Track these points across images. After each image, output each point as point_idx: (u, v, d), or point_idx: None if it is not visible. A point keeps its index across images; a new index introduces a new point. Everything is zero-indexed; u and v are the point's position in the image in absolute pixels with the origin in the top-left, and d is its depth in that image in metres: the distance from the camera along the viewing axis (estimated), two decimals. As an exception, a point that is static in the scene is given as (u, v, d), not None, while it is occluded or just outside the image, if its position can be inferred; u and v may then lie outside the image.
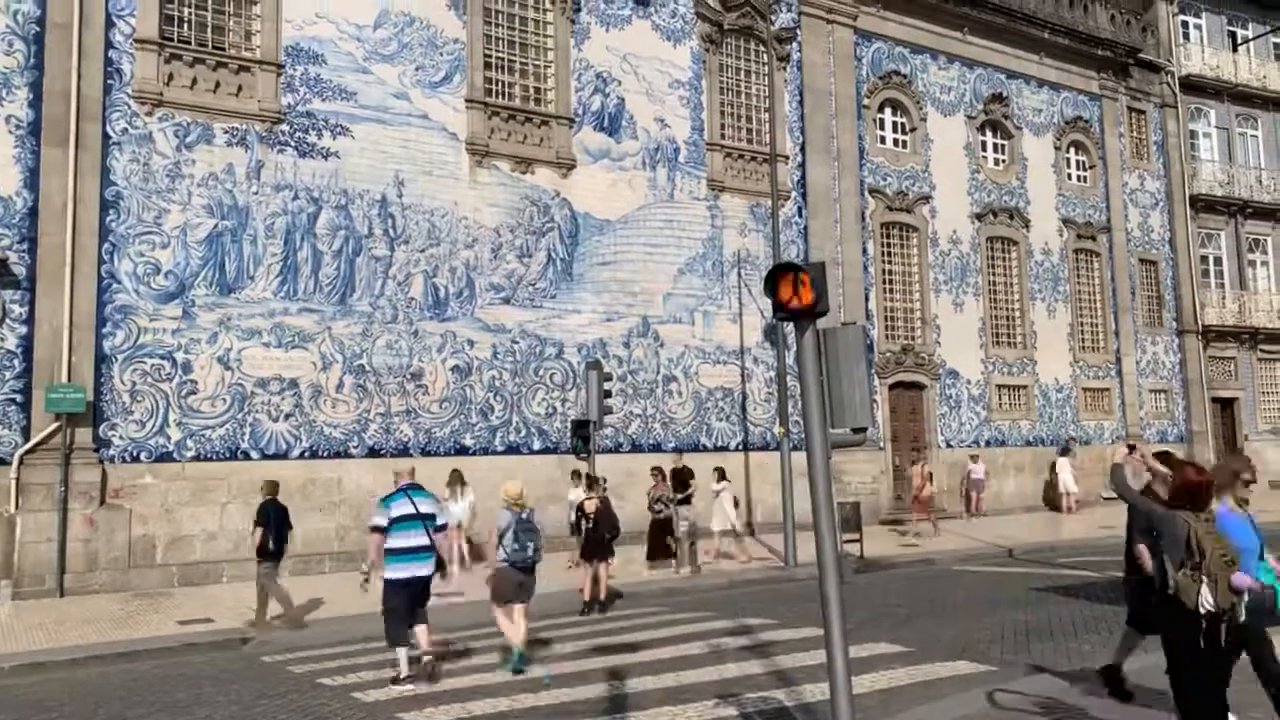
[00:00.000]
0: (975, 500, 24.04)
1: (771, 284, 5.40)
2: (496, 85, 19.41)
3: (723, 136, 22.12)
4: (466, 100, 18.85)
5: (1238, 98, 32.93)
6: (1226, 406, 31.34)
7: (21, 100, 15.03)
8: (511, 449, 18.47)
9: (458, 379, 18.10)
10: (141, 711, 8.41)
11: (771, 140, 19.51)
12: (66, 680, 9.81)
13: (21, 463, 14.38)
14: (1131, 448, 7.40)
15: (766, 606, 12.69)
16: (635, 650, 10.16)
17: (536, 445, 18.76)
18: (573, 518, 13.77)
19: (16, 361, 14.64)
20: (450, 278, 18.29)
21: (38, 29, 15.20)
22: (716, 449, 20.89)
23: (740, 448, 21.27)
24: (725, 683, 8.69)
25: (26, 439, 14.51)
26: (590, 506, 13.08)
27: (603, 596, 12.89)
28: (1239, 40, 33.10)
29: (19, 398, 14.58)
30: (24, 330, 14.72)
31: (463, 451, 17.89)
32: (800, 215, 23.01)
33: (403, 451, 17.25)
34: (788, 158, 22.81)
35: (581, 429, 15.56)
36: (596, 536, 12.82)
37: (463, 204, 18.56)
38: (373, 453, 17.07)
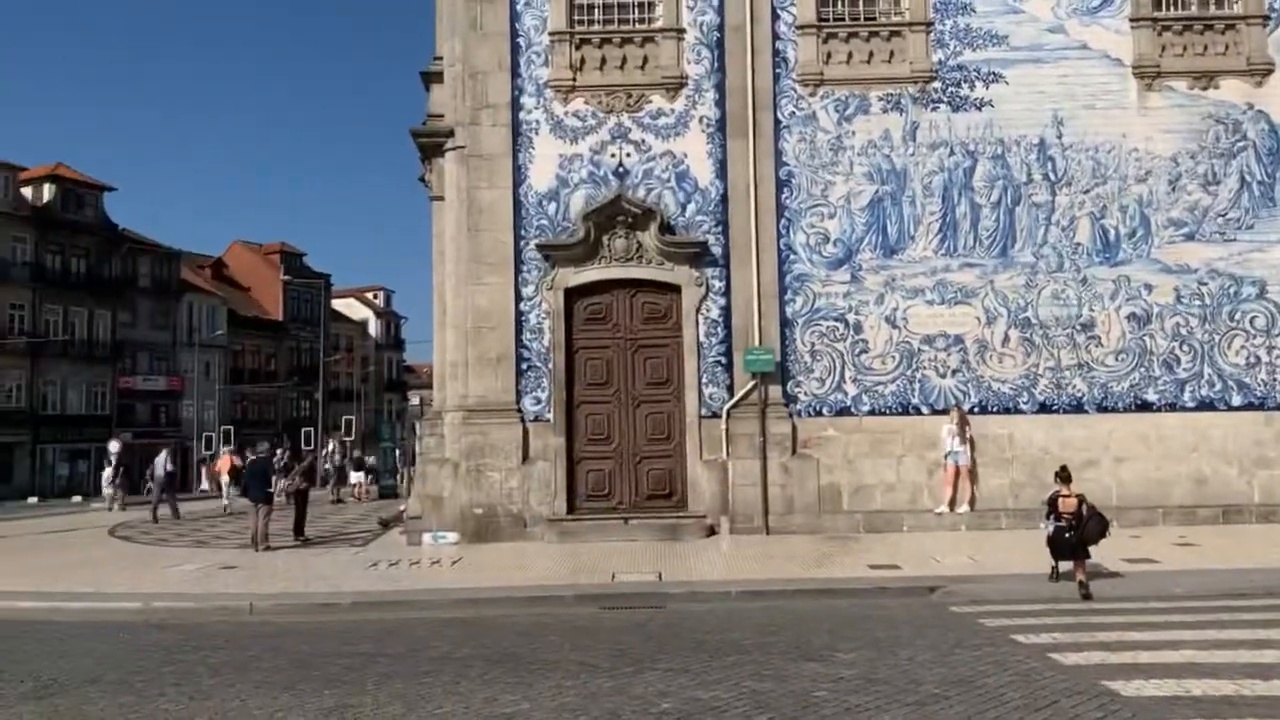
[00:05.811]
0: None
1: None
2: (1166, -5, 17.21)
3: None
4: (1131, 20, 17.01)
5: None
6: None
7: (709, 101, 17.11)
8: (1204, 404, 16.37)
9: (1134, 328, 16.53)
10: (849, 645, 9.02)
11: None
12: (780, 608, 11.00)
13: (729, 416, 16.51)
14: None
15: None
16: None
17: (1235, 400, 16.38)
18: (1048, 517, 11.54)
19: (720, 329, 16.82)
20: (1121, 218, 16.75)
21: (718, 34, 17.13)
22: None
23: None
24: None
25: (731, 395, 16.60)
26: (1069, 505, 11.16)
27: None
28: None
29: (723, 360, 16.74)
30: (723, 302, 16.84)
31: (1145, 407, 16.34)
32: None
33: (1076, 407, 16.32)
34: None
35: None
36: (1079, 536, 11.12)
37: (1131, 135, 16.83)
38: (1044, 408, 16.40)
